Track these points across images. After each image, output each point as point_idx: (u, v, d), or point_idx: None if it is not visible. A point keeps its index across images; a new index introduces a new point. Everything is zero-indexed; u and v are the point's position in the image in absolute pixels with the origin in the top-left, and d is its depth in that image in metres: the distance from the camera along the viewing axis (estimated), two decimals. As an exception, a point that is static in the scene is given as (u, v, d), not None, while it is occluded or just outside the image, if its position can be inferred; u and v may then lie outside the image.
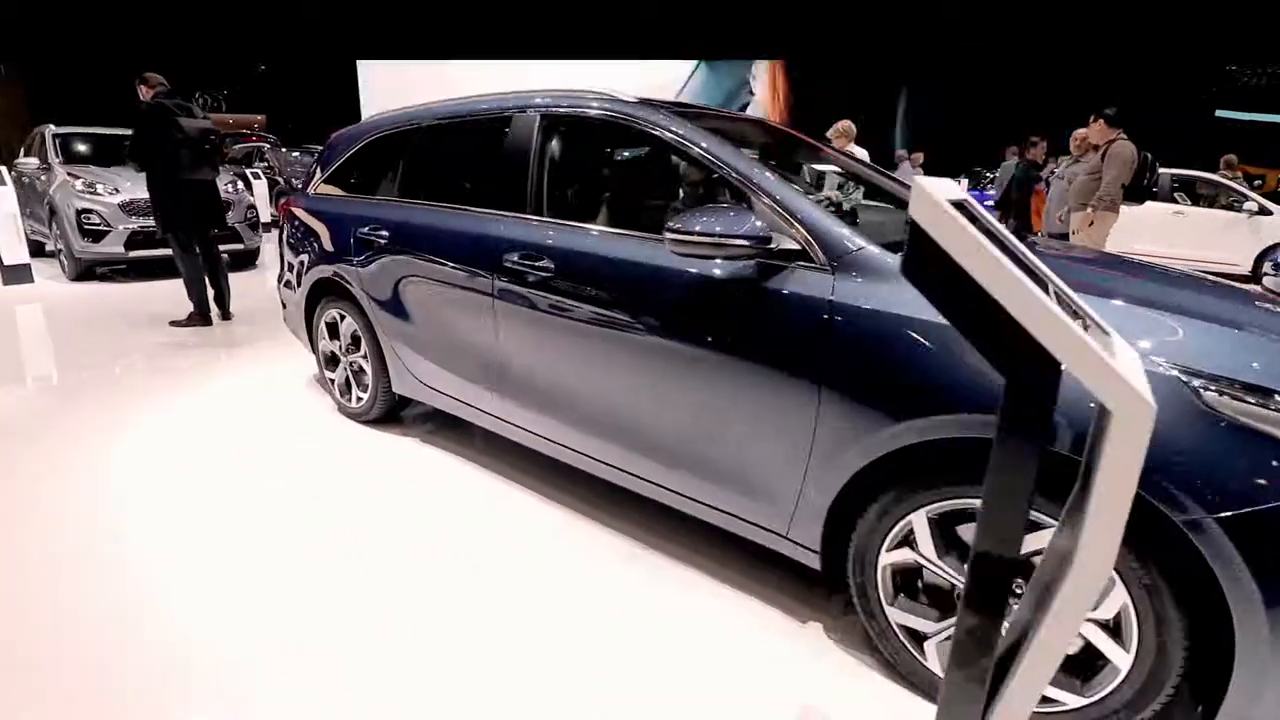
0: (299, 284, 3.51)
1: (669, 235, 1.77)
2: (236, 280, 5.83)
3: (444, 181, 3.02)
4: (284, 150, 11.95)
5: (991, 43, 16.34)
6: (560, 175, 2.46)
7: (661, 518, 2.40)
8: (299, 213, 3.51)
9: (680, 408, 1.99)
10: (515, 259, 2.32)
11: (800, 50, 18.82)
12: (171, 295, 5.59)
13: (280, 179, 11.03)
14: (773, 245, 1.73)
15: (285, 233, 3.66)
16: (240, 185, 7.55)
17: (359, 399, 3.30)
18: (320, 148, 12.48)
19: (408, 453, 3.05)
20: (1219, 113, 15.65)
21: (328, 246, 3.21)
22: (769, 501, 1.85)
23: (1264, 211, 8.23)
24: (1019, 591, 1.48)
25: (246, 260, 7.71)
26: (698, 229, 1.74)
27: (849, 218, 2.03)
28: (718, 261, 1.82)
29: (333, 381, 3.44)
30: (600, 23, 17.67)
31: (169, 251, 5.17)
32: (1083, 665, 1.47)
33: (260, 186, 9.79)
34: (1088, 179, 5.32)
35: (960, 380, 1.47)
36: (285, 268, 3.71)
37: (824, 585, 2.09)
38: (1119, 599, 1.38)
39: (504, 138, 2.49)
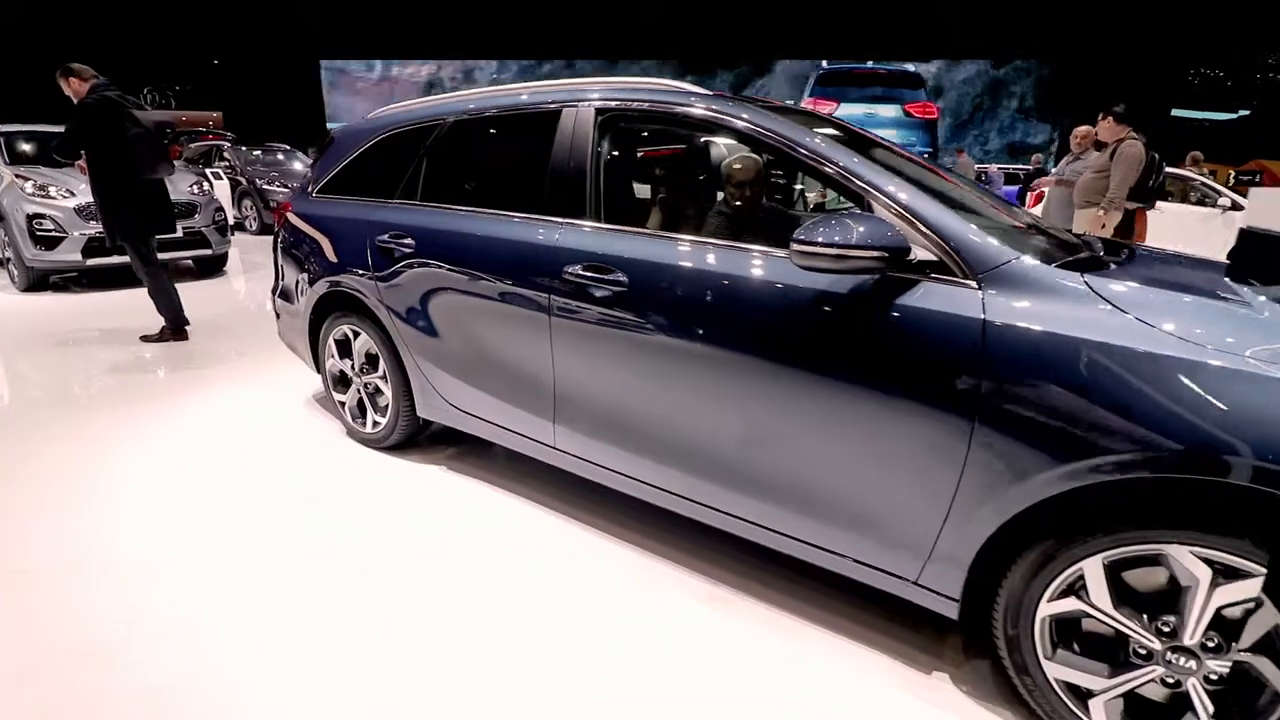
0: (299, 297, 3.18)
1: (795, 247, 1.55)
2: (205, 288, 5.43)
3: (480, 184, 2.74)
4: (244, 149, 11.29)
5: (965, 46, 16.55)
6: (622, 177, 2.22)
7: (735, 552, 2.19)
8: (297, 219, 3.18)
9: (787, 440, 1.76)
10: (578, 270, 2.07)
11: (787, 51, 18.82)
12: (136, 307, 5.14)
13: (242, 179, 10.44)
14: (911, 257, 1.54)
15: (280, 240, 3.32)
16: (206, 186, 7.07)
17: (375, 423, 2.99)
18: (283, 145, 11.63)
19: (433, 483, 2.76)
20: (1175, 112, 16.11)
21: (338, 256, 2.90)
22: (895, 544, 1.66)
23: (1236, 207, 8.46)
24: (1209, 644, 1.32)
25: (214, 266, 7.24)
26: (822, 239, 1.52)
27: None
28: (840, 276, 1.60)
29: (343, 404, 3.12)
30: (569, 22, 17.36)
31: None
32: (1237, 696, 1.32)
33: (222, 187, 9.25)
34: (1095, 177, 5.23)
35: (1156, 413, 1.29)
36: (280, 277, 3.38)
37: (933, 626, 1.91)
38: (1270, 618, 1.25)
39: (555, 135, 2.23)
